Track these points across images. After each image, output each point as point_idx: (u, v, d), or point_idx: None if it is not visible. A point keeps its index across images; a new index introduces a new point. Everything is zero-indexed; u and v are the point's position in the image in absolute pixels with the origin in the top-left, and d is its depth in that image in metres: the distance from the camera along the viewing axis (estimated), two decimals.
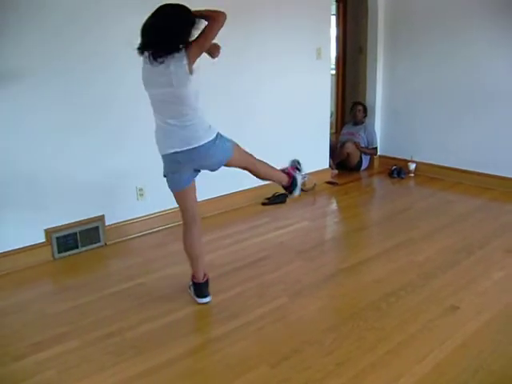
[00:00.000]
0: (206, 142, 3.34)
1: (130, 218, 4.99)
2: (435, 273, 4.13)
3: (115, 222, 4.90)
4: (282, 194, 6.05)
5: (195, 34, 3.20)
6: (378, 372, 2.92)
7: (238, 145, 3.62)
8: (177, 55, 3.14)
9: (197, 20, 3.20)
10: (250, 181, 5.80)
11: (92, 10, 4.41)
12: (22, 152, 4.26)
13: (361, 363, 3.00)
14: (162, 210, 5.11)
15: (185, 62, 3.14)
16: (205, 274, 3.72)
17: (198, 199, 5.36)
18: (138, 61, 3.27)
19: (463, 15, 6.33)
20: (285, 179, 4.03)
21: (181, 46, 3.16)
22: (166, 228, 5.16)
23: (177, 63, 3.14)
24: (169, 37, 3.14)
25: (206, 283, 3.72)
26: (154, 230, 5.13)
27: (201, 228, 3.69)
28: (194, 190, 3.58)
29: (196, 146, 3.32)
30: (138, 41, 3.19)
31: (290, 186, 4.07)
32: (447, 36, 6.54)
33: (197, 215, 3.62)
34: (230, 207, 5.72)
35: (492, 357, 3.03)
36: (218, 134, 3.44)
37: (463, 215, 5.50)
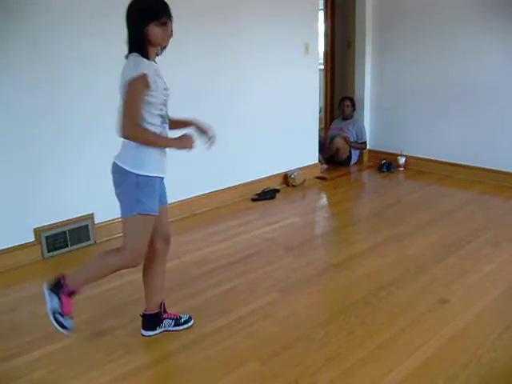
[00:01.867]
0: (118, 162, 2.90)
1: (119, 216, 4.95)
2: (425, 267, 4.15)
3: (104, 220, 4.88)
4: (271, 190, 6.07)
5: (156, 30, 2.78)
6: (368, 366, 2.93)
7: (138, 218, 2.95)
8: (132, 57, 2.81)
9: (154, 11, 2.77)
10: (238, 177, 5.84)
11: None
12: (11, 150, 4.26)
13: (351, 358, 3.00)
14: None
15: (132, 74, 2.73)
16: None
17: (189, 195, 5.41)
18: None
19: (452, 9, 6.34)
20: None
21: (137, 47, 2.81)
22: None
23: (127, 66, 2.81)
24: (128, 34, 2.84)
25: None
26: None
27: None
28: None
29: (114, 160, 2.95)
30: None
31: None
32: (436, 30, 6.56)
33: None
34: (220, 203, 5.72)
35: (482, 350, 3.04)
36: (137, 178, 2.85)
37: (453, 209, 5.52)
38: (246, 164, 5.93)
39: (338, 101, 7.82)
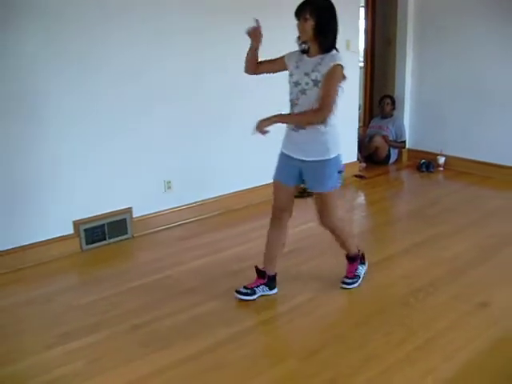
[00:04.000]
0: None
1: (157, 211, 4.99)
2: (464, 269, 4.08)
3: (143, 214, 4.91)
4: None
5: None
6: (406, 368, 2.90)
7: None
8: None
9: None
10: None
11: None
12: (50, 143, 4.31)
13: (388, 359, 2.98)
14: (190, 202, 5.11)
15: None
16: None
17: (225, 192, 5.39)
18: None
19: (496, 6, 6.22)
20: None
21: None
22: (193, 220, 5.16)
23: None
24: None
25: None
26: (181, 222, 5.12)
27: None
28: None
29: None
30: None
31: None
32: (479, 27, 6.43)
33: None
34: (258, 200, 5.67)
35: None
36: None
37: (493, 210, 5.43)
38: None
39: (378, 99, 7.77)
